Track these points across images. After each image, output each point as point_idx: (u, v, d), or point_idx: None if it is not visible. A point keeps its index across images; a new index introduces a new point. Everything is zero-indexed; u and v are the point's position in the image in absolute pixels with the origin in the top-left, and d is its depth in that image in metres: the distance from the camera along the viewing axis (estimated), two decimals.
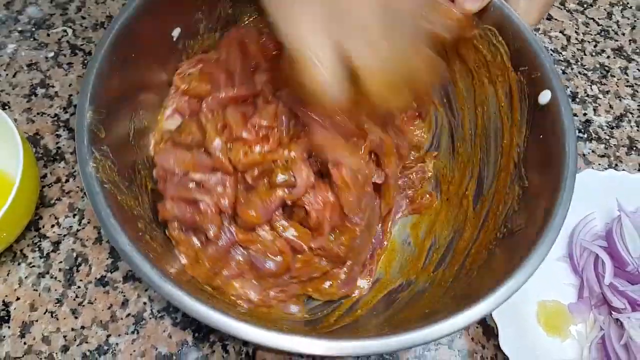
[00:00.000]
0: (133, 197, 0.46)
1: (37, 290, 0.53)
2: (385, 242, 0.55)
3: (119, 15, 0.46)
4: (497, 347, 0.51)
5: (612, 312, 0.55)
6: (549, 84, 0.47)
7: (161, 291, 0.38)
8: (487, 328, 0.55)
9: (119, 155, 0.45)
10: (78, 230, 0.55)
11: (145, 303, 0.53)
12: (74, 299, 0.53)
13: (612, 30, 0.77)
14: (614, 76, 0.73)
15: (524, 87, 0.49)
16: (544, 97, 0.47)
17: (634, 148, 0.68)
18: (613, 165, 0.67)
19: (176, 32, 0.52)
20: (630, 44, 0.76)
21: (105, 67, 0.45)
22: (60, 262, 0.54)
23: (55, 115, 0.61)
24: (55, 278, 0.54)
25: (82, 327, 0.52)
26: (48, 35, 0.66)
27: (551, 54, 0.74)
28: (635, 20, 0.78)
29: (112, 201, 0.41)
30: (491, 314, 0.52)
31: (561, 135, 0.46)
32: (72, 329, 0.52)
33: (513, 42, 0.50)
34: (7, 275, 0.53)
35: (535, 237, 0.41)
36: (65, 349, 0.51)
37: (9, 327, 0.51)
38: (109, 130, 0.45)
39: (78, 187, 0.58)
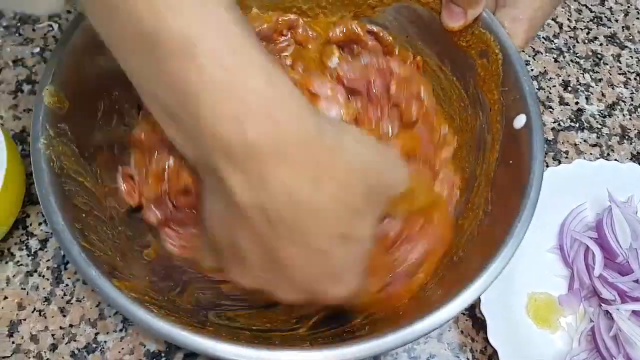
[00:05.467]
0: (92, 178, 0.46)
1: (25, 289, 0.53)
2: None
3: None
4: (487, 339, 0.51)
5: (602, 304, 0.55)
6: (526, 108, 0.46)
7: (90, 281, 0.38)
8: (476, 320, 0.55)
9: (80, 134, 0.46)
10: None
11: None
12: (62, 297, 0.53)
13: (605, 17, 0.76)
14: (607, 64, 0.73)
15: (503, 109, 0.49)
16: (519, 121, 0.47)
17: (626, 137, 0.68)
18: (605, 155, 0.66)
19: None
20: (623, 30, 0.75)
21: (79, 42, 0.45)
22: (48, 260, 0.54)
23: None
24: (44, 276, 0.53)
25: (71, 326, 0.52)
26: (33, 30, 0.66)
27: (543, 42, 0.73)
28: (628, 7, 0.77)
29: (56, 180, 0.41)
30: (480, 307, 0.52)
31: (528, 163, 0.45)
32: (61, 327, 0.51)
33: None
34: None
35: (479, 267, 0.41)
36: (53, 347, 0.51)
37: None
38: (73, 107, 0.45)
39: None
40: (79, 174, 0.45)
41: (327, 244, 0.35)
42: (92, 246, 0.41)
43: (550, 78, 0.71)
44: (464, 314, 0.55)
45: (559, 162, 0.65)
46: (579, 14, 0.76)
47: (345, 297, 0.38)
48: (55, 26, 0.66)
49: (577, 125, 0.68)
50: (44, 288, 0.53)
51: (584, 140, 0.67)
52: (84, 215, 0.43)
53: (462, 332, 0.55)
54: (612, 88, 0.71)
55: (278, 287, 0.38)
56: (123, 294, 0.38)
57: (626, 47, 0.74)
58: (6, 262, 0.54)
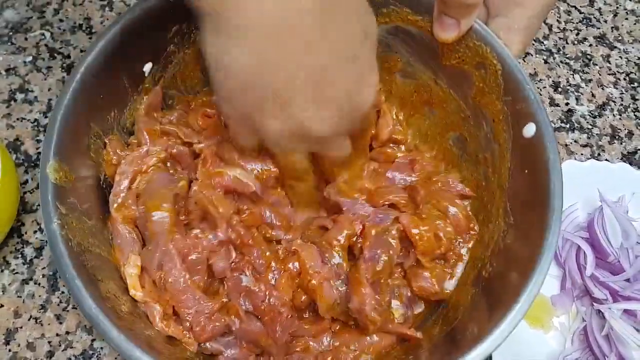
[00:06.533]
0: (106, 246, 0.46)
1: (20, 297, 0.53)
2: None
3: (83, 56, 0.46)
4: None
5: (594, 303, 0.55)
6: (534, 116, 0.46)
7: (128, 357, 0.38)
8: None
9: (88, 204, 0.45)
10: None
11: None
12: (58, 305, 0.53)
13: (594, 17, 0.77)
14: (596, 64, 0.73)
15: (508, 118, 0.49)
16: (529, 130, 0.46)
17: (617, 137, 0.68)
18: (596, 155, 0.67)
19: (147, 67, 0.51)
20: (612, 31, 0.76)
21: (71, 114, 0.44)
22: (44, 268, 0.55)
23: (35, 120, 0.61)
24: (39, 284, 0.54)
25: (67, 333, 0.52)
26: (26, 39, 0.66)
27: (533, 44, 0.74)
28: (617, 7, 0.78)
29: (77, 260, 0.40)
30: None
31: (546, 172, 0.44)
32: (57, 335, 0.52)
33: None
34: None
35: (519, 283, 0.41)
36: (50, 354, 0.51)
37: None
38: (77, 180, 0.44)
39: None
40: (95, 246, 0.44)
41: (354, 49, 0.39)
42: (123, 321, 0.40)
43: (541, 79, 0.71)
44: None
45: None
46: (568, 15, 0.77)
47: (373, 97, 0.42)
48: (48, 35, 0.66)
49: (567, 126, 0.69)
50: (39, 296, 0.53)
51: (575, 141, 0.68)
52: (108, 287, 0.42)
53: None
54: (602, 88, 0.72)
55: (315, 112, 0.39)
56: None
57: (615, 47, 0.75)
58: (2, 271, 0.54)
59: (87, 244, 0.43)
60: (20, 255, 0.55)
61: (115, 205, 0.47)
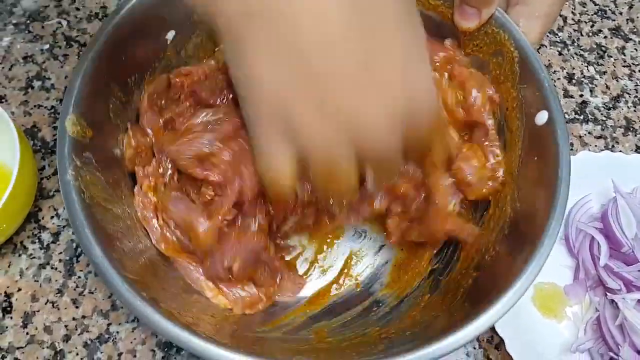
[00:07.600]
0: (118, 202, 0.46)
1: (38, 281, 0.54)
2: None
3: (110, 17, 0.46)
4: (494, 329, 0.52)
5: (607, 293, 0.55)
6: (547, 104, 0.46)
7: (136, 312, 0.38)
8: None
9: (104, 161, 0.46)
10: None
11: None
12: (75, 289, 0.54)
13: (610, 9, 0.77)
14: (611, 56, 0.73)
15: (522, 106, 0.49)
16: (541, 118, 0.47)
17: (631, 129, 0.68)
18: (610, 147, 0.67)
19: (170, 35, 0.51)
20: (627, 23, 0.76)
21: (93, 72, 0.45)
22: (60, 252, 0.55)
23: (52, 107, 0.62)
24: (56, 269, 0.54)
25: (83, 317, 0.52)
26: (43, 27, 0.66)
27: (547, 35, 0.74)
28: None
29: (88, 210, 0.41)
30: None
31: (555, 159, 0.45)
32: (73, 319, 0.52)
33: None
34: (8, 266, 0.54)
35: (520, 266, 0.42)
36: (66, 338, 0.51)
37: (11, 318, 0.52)
38: (94, 136, 0.45)
39: None
40: (107, 202, 0.45)
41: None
42: (130, 273, 0.41)
43: (555, 71, 0.71)
44: None
45: None
46: (583, 7, 0.77)
47: (430, 87, 0.36)
48: (64, 23, 0.67)
49: (581, 117, 0.68)
50: (56, 280, 0.54)
51: (589, 133, 0.68)
52: (118, 243, 0.43)
53: None
54: (617, 80, 0.71)
55: (365, 100, 0.33)
56: (176, 325, 0.38)
57: (630, 39, 0.75)
58: (19, 255, 0.54)
59: (99, 199, 0.43)
60: (37, 240, 0.55)
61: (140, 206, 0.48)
